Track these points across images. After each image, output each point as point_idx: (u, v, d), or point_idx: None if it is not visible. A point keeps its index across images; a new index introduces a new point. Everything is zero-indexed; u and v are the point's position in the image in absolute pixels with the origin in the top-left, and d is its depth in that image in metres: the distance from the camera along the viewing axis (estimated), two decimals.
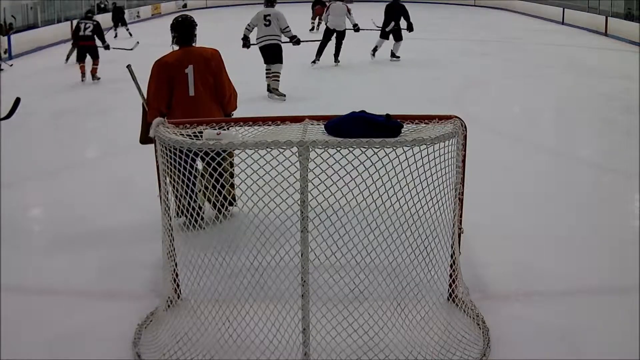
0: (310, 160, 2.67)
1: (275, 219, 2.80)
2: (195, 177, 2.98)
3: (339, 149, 2.70)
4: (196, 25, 4.51)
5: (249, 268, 2.93)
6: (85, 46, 10.99)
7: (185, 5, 27.63)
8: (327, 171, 2.75)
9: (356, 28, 11.62)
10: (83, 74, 10.95)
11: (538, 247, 4.16)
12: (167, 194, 3.15)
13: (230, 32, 17.87)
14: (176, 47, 4.43)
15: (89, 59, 10.96)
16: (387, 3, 12.12)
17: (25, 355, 3.04)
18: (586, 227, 4.53)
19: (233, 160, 3.15)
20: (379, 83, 10.24)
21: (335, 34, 11.40)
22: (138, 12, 23.10)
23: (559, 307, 3.44)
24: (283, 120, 3.20)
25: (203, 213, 3.88)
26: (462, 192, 3.15)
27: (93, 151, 7.05)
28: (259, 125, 3.20)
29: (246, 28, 8.63)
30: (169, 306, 3.29)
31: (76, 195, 5.28)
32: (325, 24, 11.58)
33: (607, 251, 4.12)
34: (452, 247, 3.16)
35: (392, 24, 11.47)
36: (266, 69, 8.69)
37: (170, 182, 3.21)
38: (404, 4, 11.85)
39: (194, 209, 3.09)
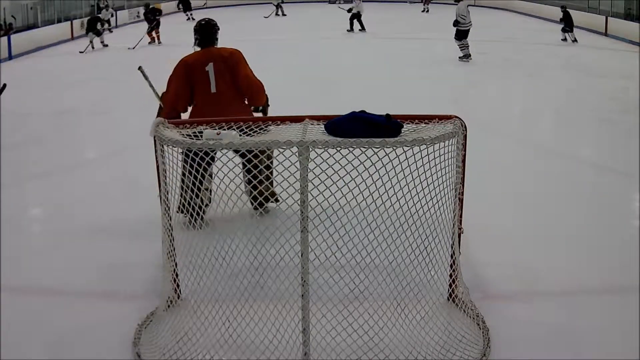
0: (310, 160, 2.67)
1: (276, 219, 2.80)
2: (203, 176, 3.00)
3: (339, 149, 2.70)
4: (218, 28, 4.65)
5: (249, 268, 2.94)
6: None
7: None
8: (327, 171, 2.75)
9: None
10: (152, 40, 16.52)
11: (538, 247, 4.16)
12: (167, 193, 3.15)
13: (231, 33, 17.90)
14: (198, 49, 4.54)
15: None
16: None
17: (25, 355, 3.04)
18: (586, 227, 4.53)
19: (272, 154, 3.15)
20: (379, 83, 10.23)
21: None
22: (138, 12, 23.03)
23: (559, 307, 3.44)
24: (283, 120, 3.21)
25: (203, 213, 3.88)
26: (462, 192, 3.15)
27: (93, 151, 7.05)
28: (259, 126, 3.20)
29: (462, 17, 12.41)
30: (169, 306, 3.29)
31: (76, 196, 5.27)
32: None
33: (607, 251, 4.11)
34: (452, 247, 3.16)
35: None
36: (461, 44, 12.45)
37: (180, 177, 3.22)
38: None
39: (196, 207, 3.09)
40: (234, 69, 4.40)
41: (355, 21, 18.48)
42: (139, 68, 4.54)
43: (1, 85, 5.88)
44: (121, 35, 17.76)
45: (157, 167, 3.20)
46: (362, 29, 18.46)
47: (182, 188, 3.20)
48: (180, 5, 24.10)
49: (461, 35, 12.44)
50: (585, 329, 3.21)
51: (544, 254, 4.05)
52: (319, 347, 2.86)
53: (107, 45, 15.92)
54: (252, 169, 2.97)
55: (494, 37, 15.64)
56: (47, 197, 5.39)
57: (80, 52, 14.88)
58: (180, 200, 3.22)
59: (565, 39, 15.79)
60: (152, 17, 16.64)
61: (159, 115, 4.41)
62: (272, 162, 3.83)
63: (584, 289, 3.65)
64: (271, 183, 3.67)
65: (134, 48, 15.03)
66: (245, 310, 2.96)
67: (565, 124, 7.89)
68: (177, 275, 3.25)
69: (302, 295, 2.76)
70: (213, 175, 3.23)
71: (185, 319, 3.10)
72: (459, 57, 12.45)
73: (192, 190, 3.08)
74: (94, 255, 4.10)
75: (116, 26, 20.43)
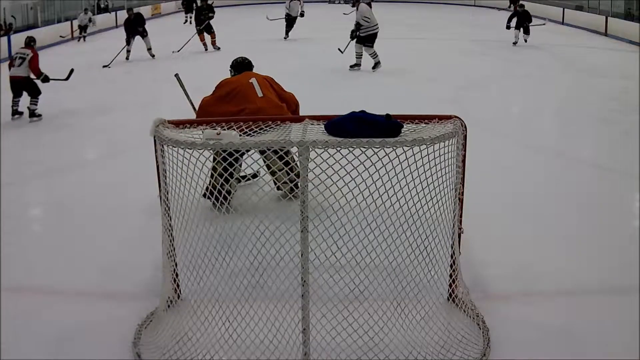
0: (310, 160, 2.67)
1: (276, 219, 2.80)
2: (233, 167, 3.14)
3: (339, 149, 2.70)
4: (253, 66, 5.01)
5: (249, 268, 2.94)
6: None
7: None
8: (327, 171, 2.75)
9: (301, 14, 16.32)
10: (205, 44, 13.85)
11: (538, 247, 4.16)
12: (167, 194, 3.15)
13: (230, 34, 17.91)
14: None
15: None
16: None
17: (25, 355, 3.04)
18: (586, 227, 4.53)
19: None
20: (379, 83, 10.23)
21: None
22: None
23: (559, 307, 3.45)
24: (283, 120, 3.21)
25: (231, 199, 3.91)
26: (462, 192, 3.15)
27: (93, 151, 7.05)
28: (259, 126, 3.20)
29: (366, 20, 10.91)
30: (169, 306, 3.29)
31: (76, 195, 5.27)
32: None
33: (607, 251, 4.12)
34: (452, 247, 3.16)
35: None
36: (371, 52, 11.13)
37: (212, 165, 3.29)
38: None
39: (227, 194, 3.10)
40: (277, 88, 4.80)
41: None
42: (175, 75, 4.57)
43: (69, 71, 6.25)
44: (121, 37, 17.70)
45: (157, 167, 3.20)
46: (286, 34, 16.07)
47: (212, 176, 3.24)
48: (183, 5, 21.76)
49: (373, 39, 10.97)
50: (584, 329, 3.21)
51: (543, 254, 4.05)
52: (319, 347, 2.86)
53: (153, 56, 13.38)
54: (284, 155, 3.14)
55: (494, 37, 15.63)
56: (47, 197, 5.39)
57: (154, 57, 13.17)
58: (209, 186, 3.28)
59: (516, 42, 14.51)
60: (204, 17, 13.69)
61: None
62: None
63: (584, 289, 3.66)
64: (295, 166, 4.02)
65: (178, 51, 13.64)
66: (245, 310, 2.96)
67: (565, 124, 7.89)
68: (177, 275, 3.26)
69: (302, 295, 2.76)
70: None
71: (185, 319, 3.10)
72: (350, 66, 11.25)
73: (225, 179, 3.10)
74: (94, 255, 4.10)
75: (116, 26, 20.38)
